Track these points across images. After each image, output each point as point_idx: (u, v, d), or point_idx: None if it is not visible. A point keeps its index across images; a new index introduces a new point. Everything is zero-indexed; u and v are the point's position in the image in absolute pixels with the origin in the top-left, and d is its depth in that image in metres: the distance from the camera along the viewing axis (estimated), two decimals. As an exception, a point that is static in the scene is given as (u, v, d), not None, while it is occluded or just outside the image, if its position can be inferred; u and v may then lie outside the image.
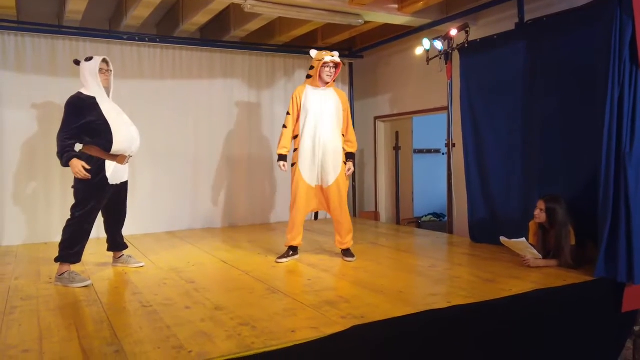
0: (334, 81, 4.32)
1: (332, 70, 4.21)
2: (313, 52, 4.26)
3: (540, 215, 3.86)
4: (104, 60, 3.77)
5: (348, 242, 4.31)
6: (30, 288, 3.52)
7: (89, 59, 3.75)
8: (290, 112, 4.26)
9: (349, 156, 4.33)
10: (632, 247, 3.38)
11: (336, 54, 4.24)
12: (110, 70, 3.83)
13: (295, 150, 4.26)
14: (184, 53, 6.06)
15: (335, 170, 4.22)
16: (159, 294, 3.33)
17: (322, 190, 4.27)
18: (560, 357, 3.20)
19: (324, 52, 4.22)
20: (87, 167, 3.53)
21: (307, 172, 4.20)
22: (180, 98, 6.02)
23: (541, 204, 3.86)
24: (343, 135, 4.32)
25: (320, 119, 4.18)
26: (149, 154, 5.61)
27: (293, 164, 4.27)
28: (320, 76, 4.19)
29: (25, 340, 2.52)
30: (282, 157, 4.27)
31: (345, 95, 4.50)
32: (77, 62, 3.80)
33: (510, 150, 4.57)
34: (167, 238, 5.55)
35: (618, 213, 3.44)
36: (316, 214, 4.61)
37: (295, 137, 4.27)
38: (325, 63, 4.15)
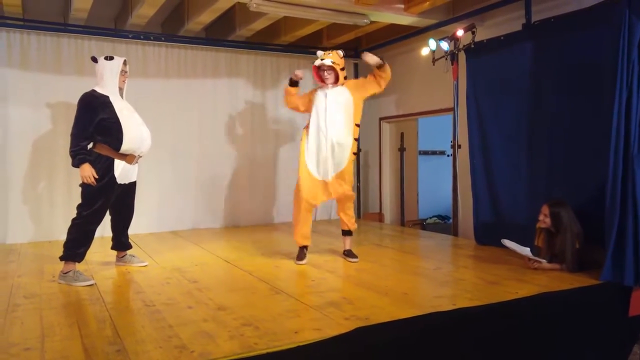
0: (345, 78, 4.29)
1: (328, 72, 4.22)
2: (319, 53, 4.28)
3: (545, 220, 3.87)
4: (125, 62, 3.80)
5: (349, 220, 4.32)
6: (33, 286, 3.51)
7: (109, 58, 3.76)
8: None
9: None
10: (639, 250, 3.35)
11: (339, 52, 4.24)
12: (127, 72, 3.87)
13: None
14: (189, 52, 6.05)
15: (340, 165, 4.19)
16: (162, 293, 3.32)
17: (327, 183, 4.25)
18: (566, 361, 3.17)
19: (320, 55, 4.24)
20: (96, 176, 3.53)
21: (314, 166, 4.23)
22: (185, 97, 6.01)
23: (545, 209, 3.87)
24: (358, 125, 4.28)
25: (324, 116, 4.18)
26: (153, 153, 5.50)
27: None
28: (320, 77, 4.26)
29: (27, 338, 2.51)
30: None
31: (355, 83, 4.36)
32: (94, 60, 3.80)
33: (517, 152, 4.53)
34: (170, 238, 5.55)
35: (626, 216, 3.40)
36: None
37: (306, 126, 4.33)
38: (317, 67, 4.24)
